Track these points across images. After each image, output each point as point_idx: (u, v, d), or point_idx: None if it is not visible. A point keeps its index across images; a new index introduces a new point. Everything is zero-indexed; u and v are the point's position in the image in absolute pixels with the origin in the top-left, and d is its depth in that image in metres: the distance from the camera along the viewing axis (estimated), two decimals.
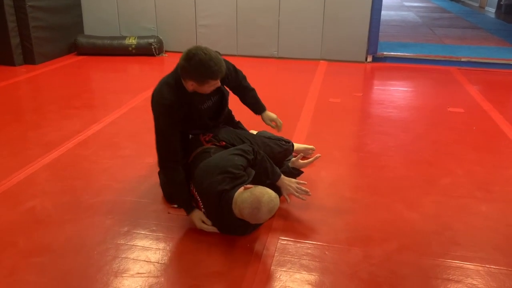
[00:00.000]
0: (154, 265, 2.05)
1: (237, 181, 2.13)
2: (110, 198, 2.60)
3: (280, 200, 2.12)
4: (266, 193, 2.00)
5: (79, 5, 6.41)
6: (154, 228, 2.32)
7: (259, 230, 2.27)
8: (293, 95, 4.57)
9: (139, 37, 6.16)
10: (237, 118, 2.81)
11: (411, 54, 6.06)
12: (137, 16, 6.35)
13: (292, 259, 2.09)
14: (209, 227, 2.24)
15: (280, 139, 2.69)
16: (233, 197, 2.07)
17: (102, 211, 2.46)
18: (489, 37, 7.53)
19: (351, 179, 2.92)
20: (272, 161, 2.36)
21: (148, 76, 5.37)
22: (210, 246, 2.17)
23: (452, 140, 3.48)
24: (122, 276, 1.97)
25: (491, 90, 4.91)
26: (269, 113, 2.72)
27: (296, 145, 2.99)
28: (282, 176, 2.34)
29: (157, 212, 2.46)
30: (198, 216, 2.26)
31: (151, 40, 6.10)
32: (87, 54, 6.16)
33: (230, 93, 2.63)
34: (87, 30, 6.49)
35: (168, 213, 2.44)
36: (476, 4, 12.79)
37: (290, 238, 2.24)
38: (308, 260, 2.08)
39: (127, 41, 6.11)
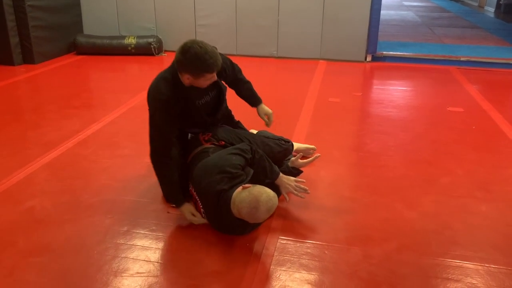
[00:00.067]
0: (153, 264, 2.05)
1: (235, 181, 2.12)
2: (110, 197, 2.60)
3: (279, 199, 2.12)
4: (264, 192, 1.99)
5: (78, 5, 6.40)
6: (153, 227, 2.32)
7: (259, 229, 2.27)
8: (293, 95, 4.57)
9: (139, 37, 6.16)
10: (236, 118, 2.80)
11: (411, 54, 6.06)
12: (137, 15, 6.35)
13: (292, 258, 2.09)
14: (199, 219, 2.27)
15: (279, 139, 2.68)
16: (231, 197, 2.07)
17: (101, 211, 2.46)
18: (488, 37, 7.53)
19: (350, 178, 2.92)
20: (272, 160, 2.36)
21: (148, 75, 5.31)
22: (209, 245, 2.17)
23: (452, 139, 3.48)
24: (122, 276, 1.97)
25: (490, 89, 4.92)
26: (265, 107, 2.72)
27: (297, 145, 2.99)
28: (281, 174, 2.34)
29: (156, 211, 2.46)
30: (188, 209, 2.28)
31: (151, 40, 6.10)
32: (87, 54, 6.15)
33: (228, 91, 2.62)
34: (87, 30, 6.49)
35: (168, 212, 2.44)
36: (476, 4, 12.79)
37: (290, 237, 2.24)
38: (308, 259, 2.08)
39: (127, 41, 6.11)
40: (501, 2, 10.94)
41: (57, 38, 6.00)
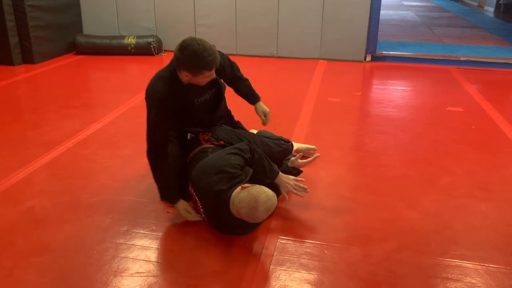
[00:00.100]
0: (153, 264, 2.05)
1: (234, 181, 2.12)
2: (109, 197, 2.60)
3: (278, 199, 2.12)
4: (263, 192, 1.99)
5: (78, 5, 6.40)
6: (153, 227, 2.31)
7: (258, 229, 2.26)
8: (292, 95, 4.57)
9: (138, 37, 6.15)
10: (236, 118, 2.80)
11: (410, 54, 6.06)
12: (136, 15, 6.34)
13: (291, 258, 2.09)
14: (193, 216, 2.27)
15: (279, 139, 2.68)
16: (230, 197, 2.06)
17: (101, 211, 2.46)
18: (488, 36, 7.53)
19: (350, 178, 2.92)
20: (272, 160, 2.36)
21: (147, 75, 5.31)
22: (209, 245, 2.17)
23: (451, 139, 3.48)
24: (122, 276, 1.97)
25: (490, 89, 4.92)
26: (263, 105, 2.72)
27: (298, 145, 2.99)
28: (280, 173, 2.34)
29: (156, 211, 2.46)
30: (183, 206, 2.29)
31: (150, 40, 6.10)
32: (86, 54, 6.15)
33: (227, 91, 2.62)
34: (86, 30, 6.48)
35: (167, 212, 2.44)
36: (475, 4, 12.79)
37: (289, 237, 2.24)
38: (307, 259, 2.08)
39: (126, 41, 6.11)
40: (500, 2, 10.95)
41: (57, 38, 6.00)
